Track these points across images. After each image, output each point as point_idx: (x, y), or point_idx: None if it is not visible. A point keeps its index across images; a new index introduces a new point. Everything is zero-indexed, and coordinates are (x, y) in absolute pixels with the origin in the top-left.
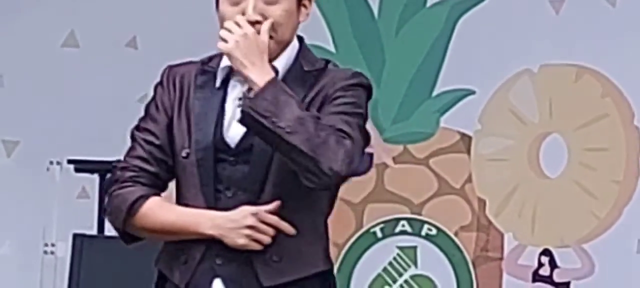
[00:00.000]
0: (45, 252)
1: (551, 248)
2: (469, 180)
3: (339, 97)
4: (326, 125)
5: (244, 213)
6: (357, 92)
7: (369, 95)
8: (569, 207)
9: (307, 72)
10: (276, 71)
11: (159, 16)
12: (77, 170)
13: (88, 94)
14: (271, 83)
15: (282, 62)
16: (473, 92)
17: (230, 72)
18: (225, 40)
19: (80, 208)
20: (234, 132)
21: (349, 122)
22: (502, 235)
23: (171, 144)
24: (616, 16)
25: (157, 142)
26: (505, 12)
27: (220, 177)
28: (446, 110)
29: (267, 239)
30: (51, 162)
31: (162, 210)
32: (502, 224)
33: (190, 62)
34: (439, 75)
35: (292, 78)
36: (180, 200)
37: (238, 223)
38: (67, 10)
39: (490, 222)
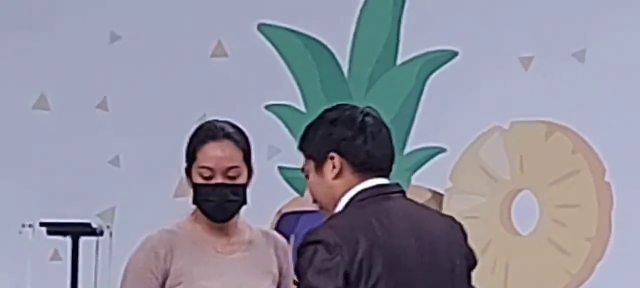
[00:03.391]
0: None
1: None
2: None
3: None
4: None
5: None
6: None
7: None
8: (541, 264)
9: None
10: None
11: (130, 78)
12: (49, 232)
13: (60, 156)
14: None
15: None
16: (444, 150)
17: None
18: None
19: (53, 271)
20: None
21: None
22: None
23: None
24: (585, 72)
25: None
26: (475, 69)
27: None
28: (417, 168)
29: None
30: (23, 225)
31: None
32: (474, 281)
33: None
34: (409, 133)
35: None
36: None
37: None
38: (38, 72)
39: None
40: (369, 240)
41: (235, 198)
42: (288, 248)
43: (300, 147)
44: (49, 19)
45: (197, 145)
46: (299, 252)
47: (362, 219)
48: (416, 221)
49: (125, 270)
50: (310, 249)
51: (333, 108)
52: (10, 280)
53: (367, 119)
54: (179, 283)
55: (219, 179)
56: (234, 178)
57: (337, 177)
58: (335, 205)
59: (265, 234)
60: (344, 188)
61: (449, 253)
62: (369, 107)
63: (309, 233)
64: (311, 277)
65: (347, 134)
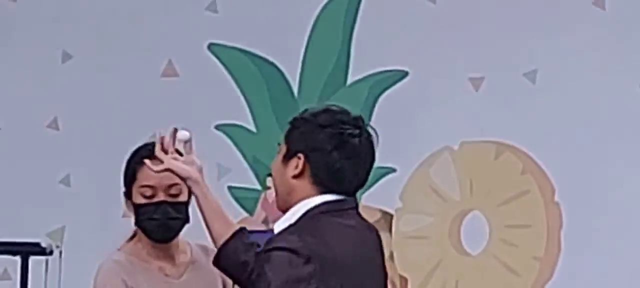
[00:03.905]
0: None
1: None
2: (391, 258)
3: None
4: None
5: None
6: None
7: None
8: (490, 284)
9: None
10: None
11: (81, 97)
12: None
13: (10, 175)
14: None
15: None
16: (394, 170)
17: None
18: None
19: None
20: None
21: None
22: None
23: None
24: (536, 93)
25: None
26: (425, 89)
27: None
28: (367, 188)
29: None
30: None
31: None
32: None
33: None
34: None
35: None
36: None
37: None
38: None
39: None
40: (333, 257)
41: (178, 215)
42: None
43: (289, 123)
44: (0, 37)
45: (137, 165)
46: (260, 258)
47: (324, 235)
48: (363, 240)
49: None
50: (277, 255)
51: (333, 112)
52: None
53: (354, 139)
54: None
55: (161, 197)
56: (175, 196)
57: (296, 177)
58: (289, 202)
59: (204, 249)
60: (301, 193)
61: (381, 269)
62: (370, 128)
63: (273, 239)
64: (280, 284)
65: (325, 146)
